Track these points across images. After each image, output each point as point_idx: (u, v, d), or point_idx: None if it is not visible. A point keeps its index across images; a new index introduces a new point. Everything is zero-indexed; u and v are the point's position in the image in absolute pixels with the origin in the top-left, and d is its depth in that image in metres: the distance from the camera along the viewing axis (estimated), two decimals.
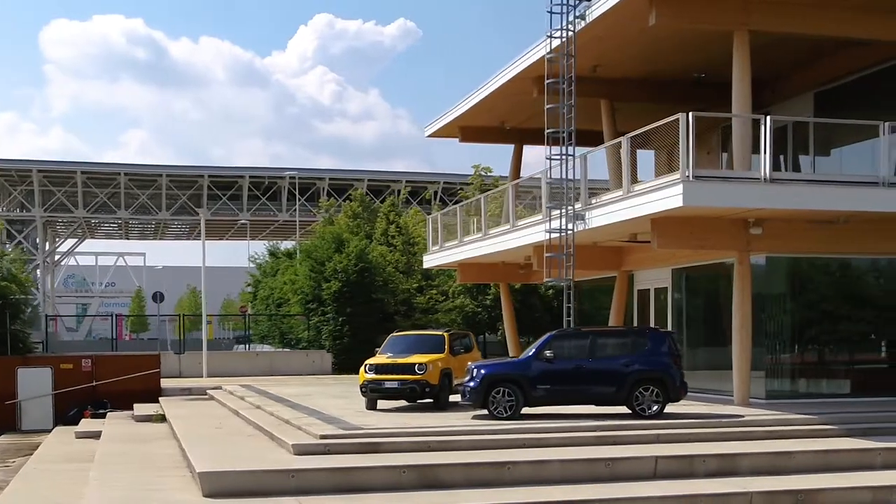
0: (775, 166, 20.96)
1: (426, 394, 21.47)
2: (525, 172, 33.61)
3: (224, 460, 15.72)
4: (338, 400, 25.37)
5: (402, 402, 22.70)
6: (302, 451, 16.17)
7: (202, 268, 40.46)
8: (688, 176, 18.86)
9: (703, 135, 19.94)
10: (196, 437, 19.45)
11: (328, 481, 14.61)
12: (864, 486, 15.04)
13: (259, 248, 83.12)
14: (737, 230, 21.24)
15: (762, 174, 19.63)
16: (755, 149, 20.75)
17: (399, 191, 76.67)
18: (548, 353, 19.40)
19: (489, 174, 56.57)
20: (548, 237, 23.70)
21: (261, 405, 24.35)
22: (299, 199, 79.98)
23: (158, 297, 44.24)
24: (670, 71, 26.62)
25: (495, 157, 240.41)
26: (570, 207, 23.26)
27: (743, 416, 19.11)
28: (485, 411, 19.43)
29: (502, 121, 33.13)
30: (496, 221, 30.99)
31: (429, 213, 55.69)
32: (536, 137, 34.22)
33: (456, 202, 74.26)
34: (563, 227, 23.33)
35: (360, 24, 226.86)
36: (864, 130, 23.35)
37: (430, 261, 35.78)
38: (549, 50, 23.77)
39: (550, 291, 49.08)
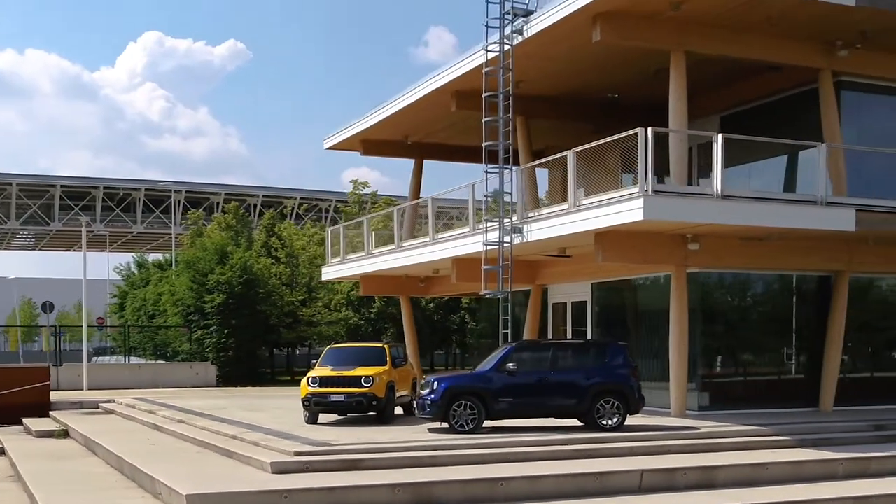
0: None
1: (372, 407, 20.95)
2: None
3: (201, 481, 14.82)
4: (257, 413, 24.71)
5: (336, 416, 22.20)
6: (280, 469, 15.44)
7: (83, 280, 38.82)
8: (646, 190, 19.04)
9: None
10: (136, 454, 18.22)
11: (322, 502, 14.07)
12: (842, 496, 15.29)
13: (119, 259, 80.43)
14: (675, 245, 21.64)
15: (714, 190, 20.03)
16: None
17: (256, 204, 75.67)
18: (510, 365, 19.15)
19: (366, 189, 56.40)
20: (484, 249, 23.61)
21: (184, 420, 23.38)
22: (177, 212, 78.37)
23: (48, 308, 42.35)
24: (586, 90, 26.98)
25: (332, 173, 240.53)
26: (507, 220, 23.25)
27: (699, 429, 19.31)
28: (442, 424, 19.12)
29: (406, 135, 32.97)
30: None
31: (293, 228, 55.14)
32: (437, 152, 34.43)
33: (314, 218, 73.65)
34: (501, 239, 23.30)
35: (191, 43, 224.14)
36: (766, 149, 23.99)
37: (330, 273, 35.16)
38: (485, 62, 23.73)
39: (431, 305, 49.29)
